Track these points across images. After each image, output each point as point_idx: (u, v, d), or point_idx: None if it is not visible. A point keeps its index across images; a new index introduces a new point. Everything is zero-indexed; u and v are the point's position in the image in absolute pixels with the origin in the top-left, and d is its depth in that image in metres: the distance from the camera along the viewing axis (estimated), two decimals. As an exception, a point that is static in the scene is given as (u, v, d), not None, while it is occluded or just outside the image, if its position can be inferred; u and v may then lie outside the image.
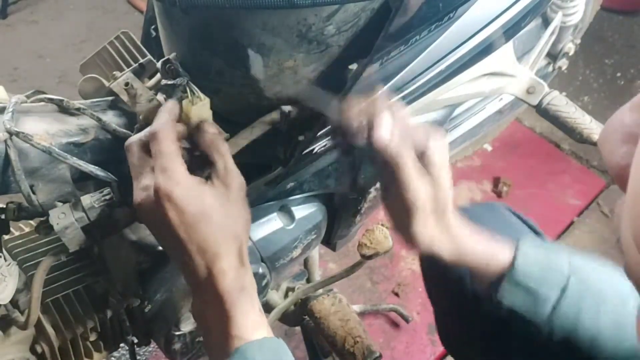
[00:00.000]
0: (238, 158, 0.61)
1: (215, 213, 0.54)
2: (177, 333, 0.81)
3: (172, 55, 0.67)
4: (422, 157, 0.56)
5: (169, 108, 0.58)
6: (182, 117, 0.60)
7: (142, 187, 0.55)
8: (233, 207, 0.56)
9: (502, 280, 0.57)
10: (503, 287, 0.56)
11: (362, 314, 1.42)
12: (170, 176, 0.53)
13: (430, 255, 0.58)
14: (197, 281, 0.55)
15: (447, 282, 0.70)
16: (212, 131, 0.58)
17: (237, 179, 0.57)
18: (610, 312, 0.55)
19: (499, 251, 0.59)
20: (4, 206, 0.66)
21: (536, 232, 0.79)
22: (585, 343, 0.55)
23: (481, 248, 0.58)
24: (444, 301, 0.77)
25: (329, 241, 1.00)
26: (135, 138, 0.57)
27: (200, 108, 0.60)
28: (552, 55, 1.27)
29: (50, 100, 0.66)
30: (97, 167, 0.64)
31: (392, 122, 0.55)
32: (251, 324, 0.54)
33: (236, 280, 0.55)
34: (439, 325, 0.80)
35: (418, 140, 0.56)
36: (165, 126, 0.55)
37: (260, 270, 0.84)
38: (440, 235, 0.57)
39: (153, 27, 0.85)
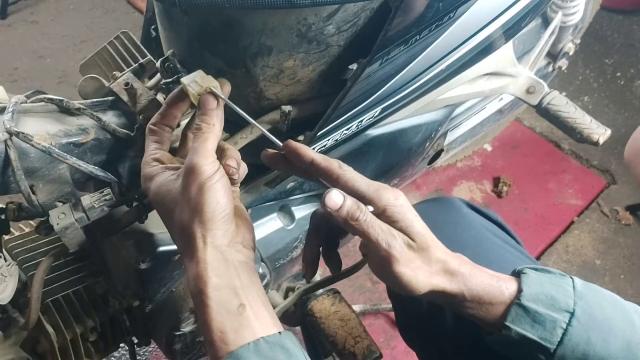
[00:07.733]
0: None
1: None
2: (178, 333, 0.81)
3: (169, 52, 0.67)
4: (382, 216, 0.54)
5: (171, 95, 0.60)
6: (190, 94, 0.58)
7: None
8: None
9: (510, 307, 0.55)
10: (511, 313, 0.55)
11: (362, 314, 1.42)
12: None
13: (427, 294, 0.55)
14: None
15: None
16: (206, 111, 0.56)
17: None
18: (619, 338, 0.54)
19: (503, 281, 0.57)
20: (4, 206, 0.66)
21: (501, 227, 0.79)
22: None
23: (486, 277, 0.57)
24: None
25: (329, 241, 0.99)
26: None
27: (202, 78, 0.58)
28: (552, 55, 1.27)
29: (50, 100, 0.66)
30: (97, 167, 0.64)
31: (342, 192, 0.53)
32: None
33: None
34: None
35: (372, 200, 0.54)
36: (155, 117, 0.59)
37: (260, 270, 0.84)
38: (436, 274, 0.55)
39: (153, 27, 0.85)
